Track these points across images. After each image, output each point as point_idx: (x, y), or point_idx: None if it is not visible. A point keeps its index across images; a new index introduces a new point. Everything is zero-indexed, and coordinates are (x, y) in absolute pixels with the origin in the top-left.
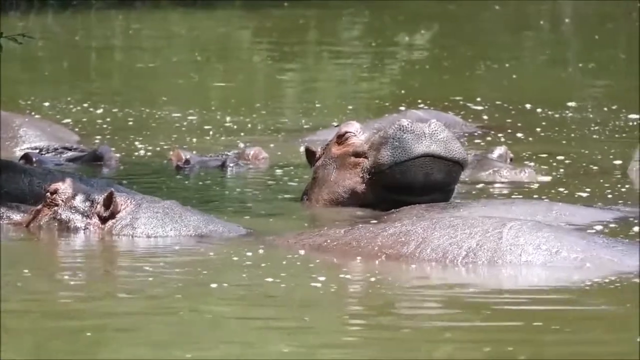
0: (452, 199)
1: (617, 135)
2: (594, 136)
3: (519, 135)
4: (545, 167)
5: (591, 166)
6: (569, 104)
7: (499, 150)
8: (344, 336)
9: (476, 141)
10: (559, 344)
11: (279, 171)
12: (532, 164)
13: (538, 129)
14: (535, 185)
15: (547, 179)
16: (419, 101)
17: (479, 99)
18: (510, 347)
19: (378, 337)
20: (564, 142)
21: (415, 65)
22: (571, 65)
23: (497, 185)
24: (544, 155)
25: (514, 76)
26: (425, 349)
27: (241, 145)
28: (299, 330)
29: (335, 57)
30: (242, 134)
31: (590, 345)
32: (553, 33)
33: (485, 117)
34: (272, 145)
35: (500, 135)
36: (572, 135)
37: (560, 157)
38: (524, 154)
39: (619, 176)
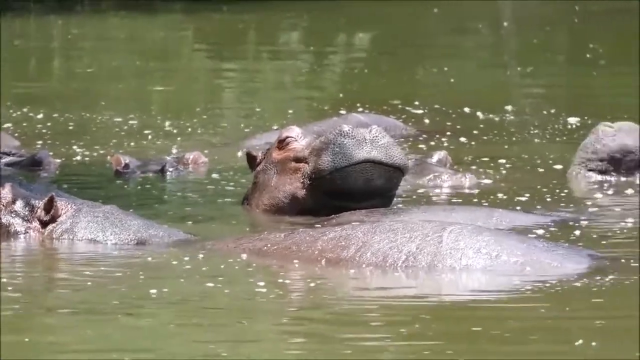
0: (392, 205)
1: (557, 139)
2: (534, 140)
3: (461, 139)
4: (488, 171)
5: (531, 170)
6: (508, 107)
7: (438, 155)
8: (284, 342)
9: (420, 146)
10: (498, 347)
11: (217, 176)
12: (474, 167)
13: (477, 133)
14: (476, 191)
15: (488, 182)
16: (358, 105)
17: (417, 103)
18: (450, 351)
19: (319, 342)
20: (505, 145)
21: (355, 69)
22: (509, 69)
23: (437, 190)
24: (485, 159)
25: (452, 80)
26: (367, 353)
27: (174, 150)
28: (238, 336)
29: (275, 61)
30: (179, 138)
31: (529, 347)
32: (492, 36)
33: (426, 120)
34: (211, 149)
35: (443, 139)
36: (513, 138)
37: (501, 161)
38: (465, 157)
39: (559, 180)
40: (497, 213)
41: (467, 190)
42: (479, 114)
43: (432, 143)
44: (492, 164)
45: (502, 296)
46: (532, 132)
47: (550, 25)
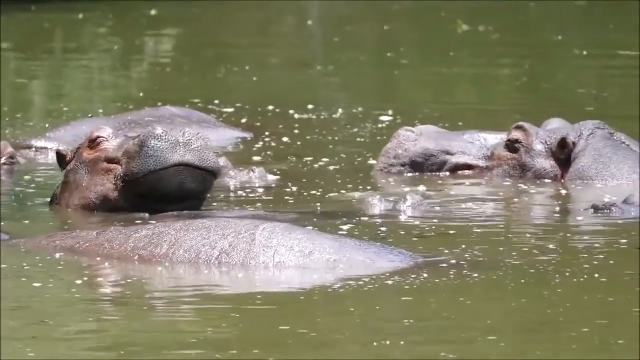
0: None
1: (366, 139)
2: (339, 137)
3: (267, 138)
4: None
5: (338, 167)
6: (310, 106)
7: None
8: (95, 340)
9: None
10: (308, 346)
11: (26, 176)
12: (281, 166)
13: (283, 130)
14: (268, 187)
15: (276, 178)
16: (159, 103)
17: (216, 101)
18: (256, 350)
19: (130, 336)
20: (312, 143)
21: (157, 68)
22: (312, 67)
23: (235, 189)
24: (293, 158)
25: (255, 78)
26: (167, 347)
27: None
28: (45, 337)
29: (79, 60)
30: None
31: (336, 347)
32: (295, 35)
33: (232, 118)
34: (20, 144)
35: (267, 138)
36: (319, 137)
37: (308, 159)
38: (269, 154)
39: (365, 177)
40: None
41: (258, 187)
42: (280, 112)
43: (260, 144)
44: (300, 165)
45: (313, 294)
46: (338, 130)
47: (354, 24)
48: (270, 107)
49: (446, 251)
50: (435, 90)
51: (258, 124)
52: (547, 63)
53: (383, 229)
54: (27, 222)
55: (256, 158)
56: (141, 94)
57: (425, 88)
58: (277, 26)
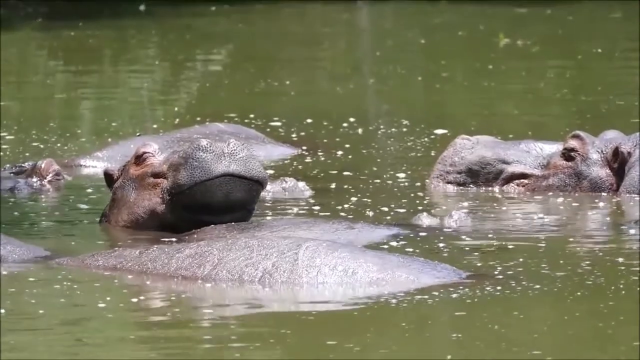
0: (252, 218)
1: (417, 152)
2: (392, 150)
3: (319, 152)
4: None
5: (382, 182)
6: (351, 119)
7: None
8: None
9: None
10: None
11: (76, 192)
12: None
13: (334, 144)
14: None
15: (308, 189)
16: (207, 120)
17: (263, 118)
18: None
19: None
20: (365, 157)
21: (206, 84)
22: (353, 80)
23: (285, 201)
24: (348, 173)
25: (301, 92)
26: None
27: (27, 164)
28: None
29: (130, 75)
30: (25, 153)
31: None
32: (337, 49)
33: (282, 134)
34: (67, 161)
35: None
36: (372, 151)
37: (346, 173)
38: (330, 171)
39: (417, 192)
40: (357, 226)
41: (308, 198)
42: (335, 126)
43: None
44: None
45: (360, 311)
46: (394, 143)
47: (395, 38)
48: (320, 122)
49: (497, 265)
50: (480, 103)
51: (308, 139)
52: (587, 75)
53: (426, 246)
54: (74, 239)
55: (312, 172)
56: (188, 112)
57: (469, 101)
58: (319, 40)
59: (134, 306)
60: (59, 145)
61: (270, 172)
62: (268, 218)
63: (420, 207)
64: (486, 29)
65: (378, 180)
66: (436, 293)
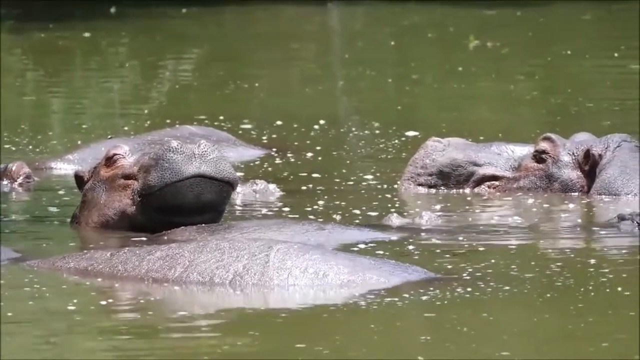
0: (222, 220)
1: (388, 155)
2: (363, 153)
3: (289, 154)
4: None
5: (354, 185)
6: (322, 121)
7: None
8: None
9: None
10: None
11: (46, 194)
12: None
13: (304, 146)
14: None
15: (279, 191)
16: (177, 123)
17: (233, 120)
18: None
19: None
20: (335, 159)
21: (176, 86)
22: (323, 83)
23: (253, 204)
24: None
25: (270, 94)
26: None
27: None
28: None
29: (101, 78)
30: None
31: None
32: (307, 51)
33: (253, 136)
34: (37, 163)
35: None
36: (342, 153)
37: (315, 175)
38: (290, 171)
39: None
40: (328, 227)
41: (273, 203)
42: (305, 128)
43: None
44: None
45: (330, 313)
46: (365, 146)
47: (365, 40)
48: (290, 124)
49: (467, 267)
50: (450, 105)
51: (278, 141)
52: (557, 76)
53: (397, 248)
54: (44, 241)
55: (282, 174)
56: (159, 114)
57: (440, 103)
58: (290, 41)
59: (104, 308)
60: (30, 147)
61: (241, 174)
62: (238, 220)
63: (391, 209)
64: (456, 30)
65: (349, 183)
66: (406, 295)
